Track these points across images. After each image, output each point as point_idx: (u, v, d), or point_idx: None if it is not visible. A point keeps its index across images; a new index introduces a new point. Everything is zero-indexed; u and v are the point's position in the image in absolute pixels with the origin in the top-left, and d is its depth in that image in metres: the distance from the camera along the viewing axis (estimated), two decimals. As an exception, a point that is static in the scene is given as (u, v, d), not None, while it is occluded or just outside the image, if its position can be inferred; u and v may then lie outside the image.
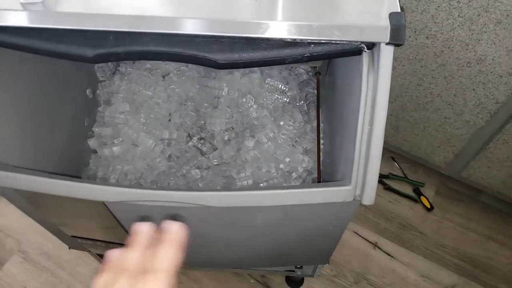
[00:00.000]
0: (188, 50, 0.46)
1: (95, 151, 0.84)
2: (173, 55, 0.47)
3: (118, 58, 0.48)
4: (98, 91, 0.89)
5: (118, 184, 0.80)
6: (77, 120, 0.82)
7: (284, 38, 0.45)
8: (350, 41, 0.45)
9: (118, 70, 0.93)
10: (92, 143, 0.84)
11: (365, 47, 0.46)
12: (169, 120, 0.88)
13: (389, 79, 0.47)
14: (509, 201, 1.36)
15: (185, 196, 0.54)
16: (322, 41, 0.46)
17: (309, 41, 0.46)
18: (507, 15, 0.82)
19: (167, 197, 0.53)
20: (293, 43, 0.46)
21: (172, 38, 0.46)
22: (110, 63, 0.90)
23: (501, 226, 1.38)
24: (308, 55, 0.46)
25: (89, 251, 0.91)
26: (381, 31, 0.44)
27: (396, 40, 0.44)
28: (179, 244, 0.39)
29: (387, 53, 0.46)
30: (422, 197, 1.42)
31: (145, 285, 0.35)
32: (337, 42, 0.45)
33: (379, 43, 0.46)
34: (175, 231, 0.40)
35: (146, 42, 0.46)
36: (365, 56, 0.48)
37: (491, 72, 0.94)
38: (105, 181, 0.80)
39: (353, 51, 0.47)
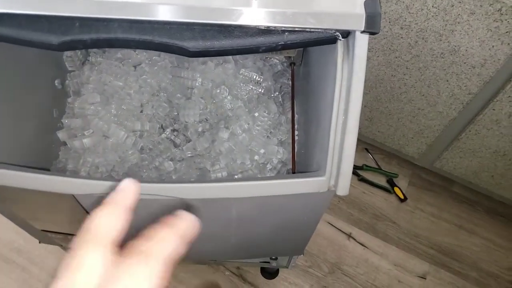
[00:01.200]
0: (158, 37, 0.45)
1: (64, 143, 0.82)
2: (142, 43, 0.45)
3: (85, 45, 0.45)
4: (67, 81, 0.85)
5: (88, 176, 0.77)
6: (45, 112, 0.79)
7: (258, 26, 0.44)
8: (325, 29, 0.44)
9: (88, 60, 0.90)
10: (61, 135, 0.81)
11: (340, 36, 0.45)
12: (141, 111, 0.86)
13: (364, 68, 0.47)
14: (480, 191, 1.40)
15: (157, 188, 0.52)
16: (297, 29, 0.45)
17: (283, 28, 0.45)
18: (481, 6, 0.83)
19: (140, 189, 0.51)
20: (267, 31, 0.45)
21: (142, 25, 0.45)
22: (79, 53, 0.87)
23: (472, 215, 1.42)
24: (283, 43, 0.45)
25: (60, 245, 0.88)
26: (356, 19, 0.44)
27: (371, 28, 0.44)
28: (185, 234, 0.33)
29: (362, 42, 0.45)
30: (395, 188, 1.45)
31: (127, 270, 0.29)
32: (312, 30, 0.45)
33: (354, 31, 0.45)
34: (186, 219, 0.34)
35: (114, 29, 0.44)
36: (340, 45, 0.48)
37: (464, 63, 0.96)
38: (75, 174, 0.78)
39: (328, 39, 0.46)
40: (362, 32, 0.45)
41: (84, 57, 0.89)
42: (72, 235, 0.76)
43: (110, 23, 0.44)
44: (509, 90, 0.95)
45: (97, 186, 0.51)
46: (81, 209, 0.59)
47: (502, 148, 1.13)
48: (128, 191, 0.35)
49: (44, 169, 0.75)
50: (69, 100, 0.85)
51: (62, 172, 0.78)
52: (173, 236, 0.31)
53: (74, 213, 0.64)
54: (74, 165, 0.79)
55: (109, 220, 0.32)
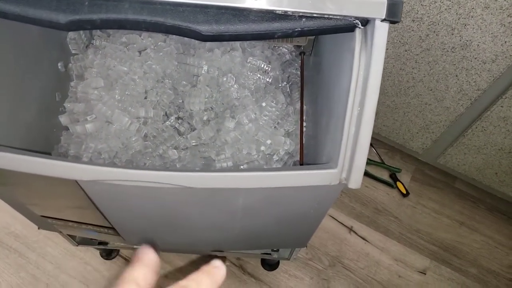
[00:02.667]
0: (171, 19, 0.43)
1: (66, 128, 0.80)
2: (154, 25, 0.43)
3: (94, 26, 0.44)
4: (70, 64, 0.83)
5: (91, 162, 0.76)
6: (47, 95, 0.77)
7: (275, 10, 0.42)
8: (344, 16, 0.43)
9: (92, 44, 0.88)
10: (63, 119, 0.79)
11: (360, 24, 0.44)
12: (146, 98, 0.84)
13: (383, 59, 0.45)
14: (482, 188, 1.39)
15: (165, 176, 0.51)
16: (315, 15, 0.43)
17: (300, 14, 0.43)
18: (496, 0, 0.81)
19: (145, 177, 0.50)
20: (284, 16, 0.43)
21: (153, 6, 0.43)
22: (83, 36, 0.85)
23: (474, 212, 1.42)
24: (300, 29, 0.44)
25: (59, 232, 0.87)
26: (377, 6, 0.42)
27: (393, 16, 0.42)
28: (220, 283, 0.35)
29: (382, 31, 0.44)
30: (398, 183, 1.44)
31: None
32: (330, 16, 0.43)
33: (374, 19, 0.43)
34: (221, 268, 0.36)
35: (125, 10, 0.42)
36: (358, 33, 0.46)
37: (475, 58, 0.94)
38: (77, 160, 0.76)
39: (347, 27, 0.44)
40: (383, 20, 0.43)
41: (88, 40, 0.87)
42: (73, 221, 0.75)
43: (120, 3, 0.42)
44: (519, 87, 0.94)
45: (101, 172, 0.50)
46: (83, 195, 0.58)
47: (508, 146, 1.11)
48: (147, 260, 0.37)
49: (45, 153, 0.74)
50: (72, 84, 0.83)
51: (64, 157, 0.77)
52: (211, 284, 0.34)
53: (76, 199, 0.62)
54: (76, 151, 0.77)
55: (144, 272, 0.34)
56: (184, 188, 0.51)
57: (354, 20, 0.43)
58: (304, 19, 0.43)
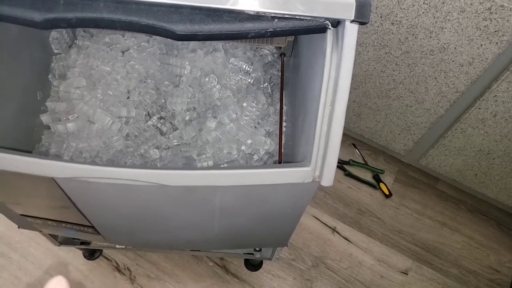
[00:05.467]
0: (145, 19, 0.44)
1: (48, 127, 0.80)
2: (129, 24, 0.44)
3: (69, 24, 0.44)
4: (52, 64, 0.84)
5: (69, 160, 0.76)
6: (28, 94, 0.78)
7: (247, 11, 0.43)
8: (314, 17, 0.44)
9: (75, 43, 0.88)
10: (45, 118, 0.79)
11: (330, 24, 0.45)
12: (128, 98, 0.85)
13: (353, 58, 0.46)
14: (464, 189, 1.42)
15: (140, 174, 0.51)
16: (286, 16, 0.44)
17: (273, 15, 0.44)
18: (471, 4, 0.83)
19: (121, 174, 0.51)
20: (257, 17, 0.44)
21: (128, 5, 0.44)
22: (66, 35, 0.85)
23: (455, 213, 1.44)
24: (272, 30, 0.45)
25: (40, 231, 0.87)
26: (346, 7, 0.43)
27: (361, 17, 0.43)
28: None
29: (351, 32, 0.45)
30: (381, 184, 1.45)
31: None
32: (301, 17, 0.44)
33: (344, 20, 0.45)
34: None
35: (100, 9, 0.43)
36: (329, 34, 0.47)
37: (453, 61, 0.96)
38: (56, 158, 0.77)
39: (318, 28, 0.46)
40: (352, 21, 0.44)
41: (71, 40, 0.88)
42: (53, 220, 0.75)
43: (95, 2, 0.43)
44: (495, 90, 0.96)
45: (77, 169, 0.50)
46: (61, 193, 0.58)
47: (486, 147, 1.14)
48: None
49: (26, 152, 0.74)
50: (54, 83, 0.83)
51: (44, 155, 0.77)
52: None
53: (54, 198, 0.62)
54: (57, 149, 0.77)
55: None
56: (160, 186, 0.52)
57: (324, 21, 0.45)
58: (276, 20, 0.45)
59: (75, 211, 0.65)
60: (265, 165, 0.80)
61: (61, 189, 0.57)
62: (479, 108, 1.03)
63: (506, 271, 1.34)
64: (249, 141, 0.81)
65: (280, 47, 0.89)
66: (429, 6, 0.88)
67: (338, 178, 1.47)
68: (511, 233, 1.42)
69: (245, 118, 0.83)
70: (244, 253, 1.05)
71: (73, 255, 1.21)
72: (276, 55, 0.92)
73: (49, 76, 0.83)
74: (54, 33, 0.83)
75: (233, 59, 0.88)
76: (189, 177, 0.52)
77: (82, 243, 1.03)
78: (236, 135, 0.81)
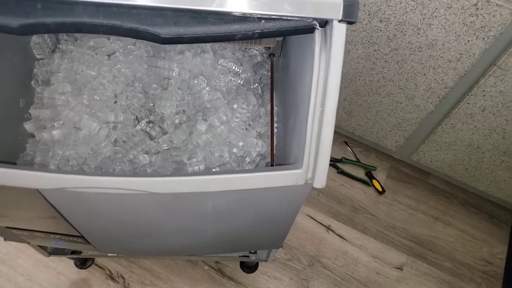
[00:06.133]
0: (128, 22, 0.42)
1: (32, 135, 0.78)
2: (111, 28, 0.43)
3: (48, 30, 0.43)
4: (35, 70, 0.82)
5: (54, 170, 0.74)
6: (10, 101, 0.76)
7: (233, 12, 0.42)
8: (301, 17, 0.43)
9: (58, 48, 0.86)
10: (29, 126, 0.77)
11: (318, 25, 0.44)
12: (115, 102, 0.83)
13: (342, 58, 0.45)
14: (455, 184, 1.42)
15: (129, 182, 0.50)
16: (273, 17, 0.43)
17: (259, 16, 0.43)
18: (457, 0, 0.83)
19: (109, 183, 0.49)
20: (243, 18, 0.43)
21: (110, 9, 0.42)
22: (48, 40, 0.83)
23: (447, 207, 1.44)
24: (259, 31, 0.44)
25: (28, 243, 0.85)
26: (333, 7, 0.42)
27: (349, 17, 0.42)
28: None
29: (339, 32, 0.44)
30: (374, 181, 1.45)
31: None
32: (289, 18, 0.43)
33: (332, 20, 0.44)
34: None
35: (80, 13, 0.42)
36: (318, 34, 0.46)
37: (441, 57, 0.96)
38: (43, 167, 0.75)
39: (305, 28, 0.45)
40: (340, 21, 0.43)
41: (54, 44, 0.86)
42: (40, 231, 0.73)
43: (75, 6, 0.42)
44: (483, 85, 0.96)
45: (63, 179, 0.49)
46: (47, 204, 0.57)
47: (475, 141, 1.14)
48: None
49: (10, 162, 0.72)
50: (38, 89, 0.81)
51: (30, 165, 0.75)
52: None
53: (40, 209, 0.61)
54: (42, 158, 0.75)
55: None
56: (149, 194, 0.51)
57: (312, 21, 0.44)
58: (263, 21, 0.44)
59: (63, 222, 0.63)
60: (257, 168, 0.79)
61: (47, 200, 0.55)
62: (468, 103, 1.03)
63: (498, 263, 1.35)
64: (240, 143, 0.79)
65: (269, 47, 0.88)
66: (417, 3, 0.87)
67: (331, 176, 1.46)
68: (503, 225, 1.43)
69: (236, 120, 0.82)
70: (240, 256, 1.04)
71: (64, 265, 1.19)
72: (265, 55, 0.91)
73: (32, 82, 0.81)
74: (35, 38, 0.81)
75: (222, 60, 0.87)
76: (179, 183, 0.51)
77: (73, 252, 1.01)
78: (227, 138, 0.80)
